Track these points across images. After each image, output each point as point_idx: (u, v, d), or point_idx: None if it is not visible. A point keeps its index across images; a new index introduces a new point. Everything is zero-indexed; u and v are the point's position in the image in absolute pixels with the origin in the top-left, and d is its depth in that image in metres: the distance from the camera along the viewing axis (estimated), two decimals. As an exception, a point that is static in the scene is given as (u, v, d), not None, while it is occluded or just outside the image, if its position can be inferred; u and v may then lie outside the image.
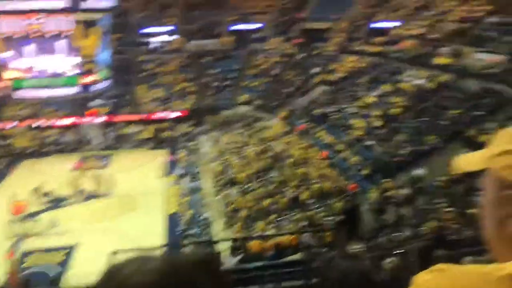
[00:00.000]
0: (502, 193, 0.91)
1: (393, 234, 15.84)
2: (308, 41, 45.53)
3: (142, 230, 21.93)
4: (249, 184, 25.86)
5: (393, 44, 33.89)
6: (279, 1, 51.73)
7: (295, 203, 22.03)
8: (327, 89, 35.47)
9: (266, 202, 22.57)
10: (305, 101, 35.98)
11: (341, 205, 20.35)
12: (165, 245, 19.23)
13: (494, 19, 27.45)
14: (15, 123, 37.30)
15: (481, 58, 24.74)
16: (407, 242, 13.22)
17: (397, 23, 37.40)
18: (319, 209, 20.99)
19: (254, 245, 17.06)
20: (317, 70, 39.97)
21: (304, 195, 22.11)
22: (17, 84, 39.30)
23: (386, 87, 29.01)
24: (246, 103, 42.01)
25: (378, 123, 25.36)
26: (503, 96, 21.47)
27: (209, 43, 48.08)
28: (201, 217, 24.14)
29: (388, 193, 19.47)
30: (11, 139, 36.26)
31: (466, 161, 1.02)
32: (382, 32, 38.23)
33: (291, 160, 26.41)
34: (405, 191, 19.33)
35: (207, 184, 28.91)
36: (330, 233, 15.31)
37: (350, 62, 36.99)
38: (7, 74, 39.26)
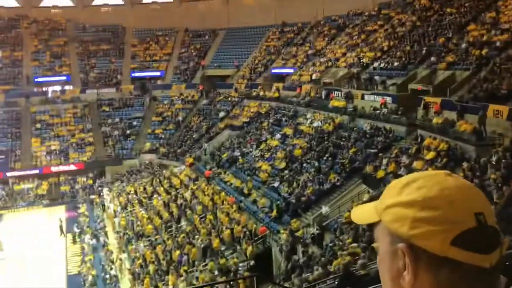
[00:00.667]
0: (394, 247, 0.90)
1: (304, 275, 15.97)
2: (211, 87, 46.26)
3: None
4: (157, 236, 24.86)
5: (291, 89, 35.59)
6: (177, 49, 52.23)
7: (207, 251, 21.50)
8: (232, 133, 35.96)
9: (176, 253, 21.76)
10: (211, 146, 36.04)
11: (253, 249, 20.25)
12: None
13: (379, 64, 30.09)
14: None
15: (370, 99, 26.82)
16: (318, 281, 13.36)
17: (293, 69, 39.47)
18: (231, 255, 20.67)
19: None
20: (221, 115, 40.51)
21: (215, 243, 21.68)
22: None
23: (287, 130, 30.10)
24: (151, 151, 41.06)
25: (282, 164, 26.03)
26: (392, 133, 23.29)
27: (107, 92, 46.73)
28: (107, 276, 22.62)
29: (297, 233, 19.78)
30: None
31: (359, 214, 1.01)
32: (281, 77, 40.07)
33: (200, 207, 25.96)
34: (312, 230, 19.78)
35: (111, 239, 27.33)
36: (242, 280, 15.08)
37: (252, 107, 38.03)
38: None
